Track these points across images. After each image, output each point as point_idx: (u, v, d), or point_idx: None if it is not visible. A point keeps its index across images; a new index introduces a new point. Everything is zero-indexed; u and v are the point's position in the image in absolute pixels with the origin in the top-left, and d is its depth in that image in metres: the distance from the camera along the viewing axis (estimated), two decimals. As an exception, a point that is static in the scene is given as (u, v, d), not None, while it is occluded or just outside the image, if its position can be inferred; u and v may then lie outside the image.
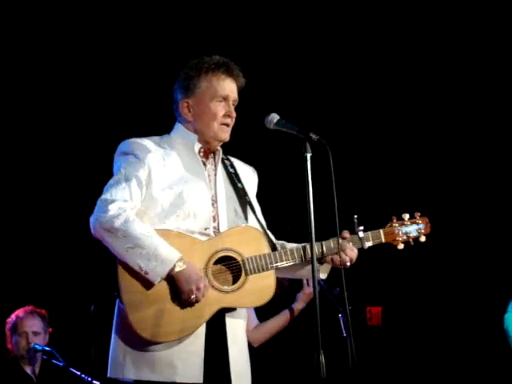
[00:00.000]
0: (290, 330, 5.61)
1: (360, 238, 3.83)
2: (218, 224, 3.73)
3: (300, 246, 3.78)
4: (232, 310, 3.68)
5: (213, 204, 3.75)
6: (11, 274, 6.82)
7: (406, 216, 3.93)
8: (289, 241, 3.94)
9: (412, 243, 3.92)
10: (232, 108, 3.81)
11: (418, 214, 3.95)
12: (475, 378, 6.87)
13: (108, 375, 3.69)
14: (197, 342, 3.60)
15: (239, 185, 3.86)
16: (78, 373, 5.89)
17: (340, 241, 3.77)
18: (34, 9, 6.77)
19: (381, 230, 3.88)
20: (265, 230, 3.86)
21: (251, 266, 3.67)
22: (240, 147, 3.99)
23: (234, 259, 3.67)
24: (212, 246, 3.65)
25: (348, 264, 3.77)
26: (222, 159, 3.89)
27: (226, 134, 3.80)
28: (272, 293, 3.70)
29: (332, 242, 3.76)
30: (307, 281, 5.21)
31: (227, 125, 3.79)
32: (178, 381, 3.58)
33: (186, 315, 3.56)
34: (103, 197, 3.63)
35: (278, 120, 3.72)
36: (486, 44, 7.01)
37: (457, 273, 7.05)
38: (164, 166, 3.70)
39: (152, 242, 3.53)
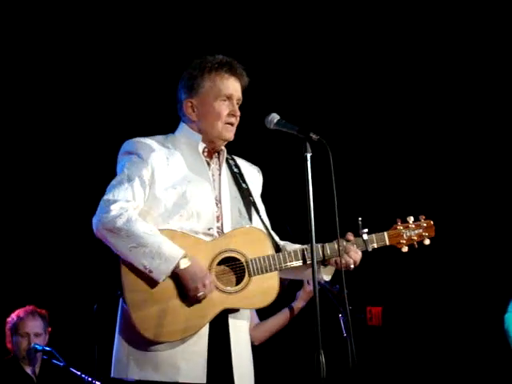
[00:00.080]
0: (290, 330, 5.61)
1: (364, 241, 3.82)
2: (222, 224, 3.73)
3: (304, 247, 3.78)
4: (235, 310, 3.68)
5: (217, 204, 3.74)
6: (12, 274, 6.82)
7: (411, 219, 3.92)
8: (289, 241, 3.95)
9: (416, 246, 3.92)
10: (236, 107, 3.80)
11: (422, 217, 3.95)
12: (475, 377, 6.87)
13: (111, 375, 3.69)
14: (200, 343, 3.60)
15: (243, 185, 3.86)
16: (79, 373, 5.89)
17: (344, 243, 3.78)
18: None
19: (385, 233, 3.88)
20: (269, 231, 3.86)
21: (255, 268, 3.66)
22: (240, 147, 3.99)
23: (238, 260, 3.67)
24: (216, 247, 3.65)
25: (352, 266, 3.77)
26: (227, 159, 3.88)
27: (230, 134, 3.80)
28: (275, 294, 3.70)
29: (336, 244, 3.75)
30: (308, 280, 5.21)
31: (232, 124, 3.79)
32: (181, 381, 3.58)
33: (190, 315, 3.57)
34: (105, 197, 3.63)
35: (278, 120, 3.71)
36: (486, 44, 7.01)
37: (457, 273, 7.05)
38: (167, 165, 3.70)
39: (155, 241, 3.53)
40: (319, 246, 3.75)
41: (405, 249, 3.91)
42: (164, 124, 3.98)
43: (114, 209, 3.57)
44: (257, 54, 6.75)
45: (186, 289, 3.55)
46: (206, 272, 3.57)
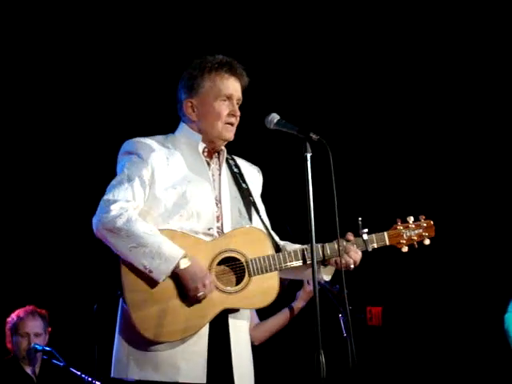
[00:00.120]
0: (290, 330, 5.61)
1: (364, 241, 3.82)
2: (222, 224, 3.73)
3: (304, 247, 3.77)
4: (235, 310, 3.68)
5: (217, 204, 3.74)
6: (12, 274, 6.82)
7: (411, 219, 3.92)
8: (289, 241, 3.95)
9: (416, 246, 3.92)
10: (236, 107, 3.80)
11: (422, 217, 3.94)
12: (475, 378, 6.87)
13: (112, 375, 3.69)
14: (200, 343, 3.60)
15: (244, 185, 3.86)
16: (79, 373, 5.89)
17: (344, 243, 3.78)
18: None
19: (385, 233, 3.88)
20: (269, 231, 3.86)
21: (255, 268, 3.66)
22: (240, 147, 3.99)
23: (238, 260, 3.67)
24: (216, 247, 3.65)
25: (352, 266, 3.77)
26: (227, 159, 3.88)
27: (230, 134, 3.80)
28: (275, 294, 3.70)
29: (336, 244, 3.75)
30: (308, 280, 5.21)
31: (231, 124, 3.79)
32: (181, 381, 3.58)
33: (190, 315, 3.57)
34: (105, 197, 3.63)
35: (278, 120, 3.71)
36: (486, 44, 7.01)
37: (457, 273, 7.05)
38: (167, 165, 3.70)
39: (155, 241, 3.53)
40: (319, 246, 3.74)
41: (405, 249, 3.91)
42: (164, 124, 3.98)
43: (114, 209, 3.56)
44: (257, 54, 6.75)
45: (186, 289, 3.55)
46: (205, 272, 3.57)
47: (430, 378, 7.01)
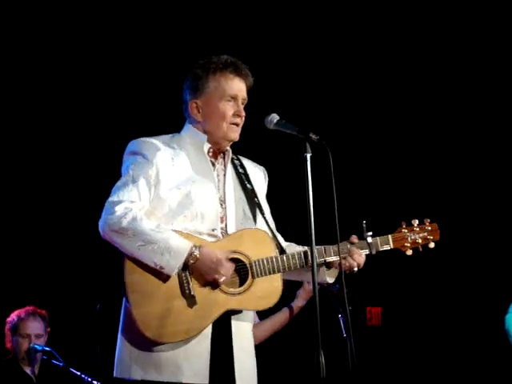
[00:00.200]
0: (290, 330, 5.61)
1: (368, 244, 3.82)
2: (226, 225, 3.73)
3: (307, 248, 3.77)
4: (238, 312, 3.68)
5: (221, 205, 3.74)
6: (12, 274, 6.82)
7: (416, 222, 3.91)
8: (289, 242, 3.94)
9: (421, 249, 3.91)
10: (241, 107, 3.80)
11: (427, 221, 3.93)
12: (475, 378, 6.87)
13: (114, 375, 3.69)
14: (203, 344, 3.60)
15: (248, 185, 3.85)
16: (78, 373, 5.89)
17: (348, 246, 3.78)
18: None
19: (389, 236, 3.87)
20: (273, 232, 3.86)
21: (258, 269, 3.66)
22: (240, 148, 3.98)
23: (242, 262, 3.66)
24: (219, 248, 3.64)
25: (355, 269, 3.78)
26: (232, 159, 3.88)
27: (235, 134, 3.79)
28: (279, 296, 3.70)
29: (340, 246, 3.73)
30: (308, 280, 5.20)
31: (237, 124, 3.78)
32: (183, 381, 3.58)
33: (193, 316, 3.56)
34: (110, 199, 3.62)
35: (278, 120, 3.71)
36: (486, 44, 7.00)
37: (457, 273, 7.05)
38: (172, 165, 3.69)
39: (162, 237, 3.53)
40: (323, 248, 3.75)
41: (409, 252, 3.91)
42: (170, 124, 3.98)
43: (119, 209, 3.56)
44: (256, 54, 6.74)
45: (203, 279, 3.56)
46: (216, 260, 3.56)
47: (430, 378, 7.01)
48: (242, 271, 3.66)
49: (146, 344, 3.58)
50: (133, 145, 3.75)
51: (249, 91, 3.87)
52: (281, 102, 5.14)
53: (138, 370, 3.59)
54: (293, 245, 3.90)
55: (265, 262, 3.67)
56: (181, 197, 3.65)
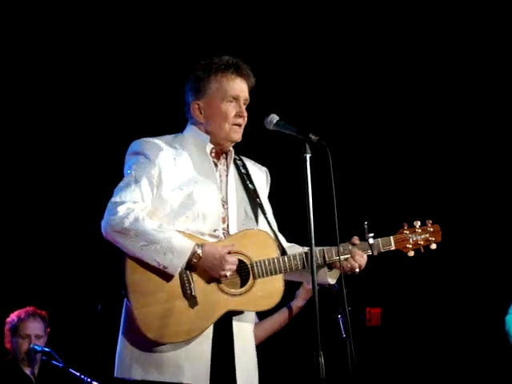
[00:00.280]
0: (290, 331, 5.61)
1: (370, 245, 3.82)
2: (228, 226, 3.73)
3: (309, 249, 3.77)
4: (239, 313, 3.68)
5: (223, 205, 3.74)
6: (13, 274, 6.81)
7: (418, 223, 3.91)
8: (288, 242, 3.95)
9: (422, 250, 3.91)
10: (243, 108, 3.80)
11: (429, 222, 3.93)
12: (476, 378, 6.87)
13: (115, 375, 3.69)
14: (204, 344, 3.60)
15: (251, 186, 3.85)
16: (78, 373, 5.89)
17: (350, 247, 3.79)
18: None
19: (391, 237, 3.88)
20: (275, 233, 3.86)
21: (259, 270, 3.66)
22: (239, 148, 3.98)
23: (243, 262, 3.66)
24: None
25: (357, 270, 3.78)
26: (234, 160, 3.88)
27: (238, 135, 3.80)
28: (280, 297, 3.71)
29: (342, 248, 3.76)
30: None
31: (239, 125, 3.79)
32: (184, 382, 3.58)
33: (194, 317, 3.57)
34: (113, 199, 3.63)
35: (278, 121, 3.71)
36: (486, 44, 7.00)
37: (457, 274, 7.04)
38: (175, 166, 3.70)
39: (165, 236, 3.54)
40: (325, 249, 3.76)
41: (411, 253, 3.91)
42: (172, 124, 3.97)
43: (121, 210, 3.57)
44: (256, 54, 6.74)
45: (210, 276, 3.57)
46: (220, 256, 3.57)
47: (430, 378, 7.01)
48: (244, 272, 3.66)
49: (146, 344, 3.58)
50: (135, 145, 3.75)
51: (249, 92, 3.86)
52: (280, 103, 5.14)
53: (138, 370, 3.59)
54: (295, 246, 3.90)
55: (266, 262, 3.67)
56: (183, 197, 3.65)
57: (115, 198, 3.62)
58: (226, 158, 3.85)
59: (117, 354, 3.70)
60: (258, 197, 3.86)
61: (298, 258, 3.73)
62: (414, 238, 3.90)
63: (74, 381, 5.88)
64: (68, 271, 6.85)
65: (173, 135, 3.84)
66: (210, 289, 3.61)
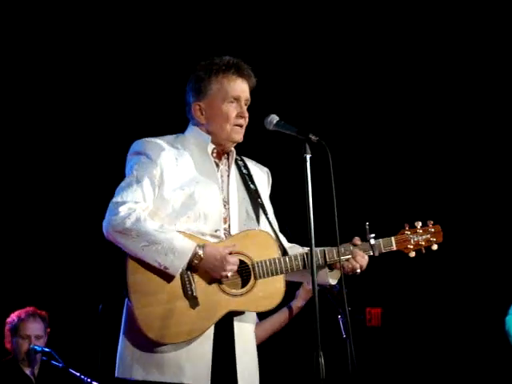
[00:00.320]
0: (290, 331, 5.60)
1: (371, 245, 3.82)
2: (229, 226, 3.73)
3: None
4: (240, 313, 3.68)
5: (224, 205, 3.74)
6: (13, 274, 6.81)
7: (419, 224, 3.91)
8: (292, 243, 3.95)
9: (424, 251, 3.91)
10: (244, 108, 3.80)
11: (430, 222, 3.93)
12: (476, 379, 6.87)
13: (116, 375, 3.69)
14: (205, 345, 3.60)
15: (252, 186, 3.85)
16: (78, 374, 5.89)
17: (351, 248, 3.79)
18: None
19: (392, 238, 3.88)
20: (276, 233, 3.86)
21: (260, 271, 3.66)
22: (239, 148, 3.98)
23: (244, 263, 3.66)
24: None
25: (358, 271, 3.78)
26: (236, 160, 3.88)
27: (239, 135, 3.80)
28: (281, 297, 3.71)
29: (343, 248, 3.77)
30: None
31: (240, 125, 3.78)
32: (185, 382, 3.58)
33: (195, 317, 3.57)
34: (114, 199, 3.63)
35: (278, 121, 3.71)
36: (486, 44, 7.00)
37: (458, 274, 7.04)
38: (176, 166, 3.69)
39: (166, 237, 3.54)
40: (326, 249, 3.76)
41: (412, 254, 3.91)
42: (174, 124, 3.97)
43: (123, 210, 3.57)
44: (256, 55, 6.74)
45: (211, 277, 3.57)
46: (221, 257, 3.56)
47: (430, 378, 7.01)
48: (245, 272, 3.66)
49: (148, 344, 3.58)
50: (137, 145, 3.75)
51: (250, 92, 3.86)
52: (280, 103, 5.14)
53: (139, 370, 3.60)
54: (296, 246, 3.90)
55: (267, 263, 3.67)
56: (184, 197, 3.65)
57: (117, 198, 3.62)
58: (228, 159, 3.85)
59: (118, 354, 3.70)
60: (259, 197, 3.86)
61: (299, 258, 3.72)
62: (416, 239, 3.90)
63: (74, 381, 5.88)
64: (68, 271, 6.85)
65: (174, 135, 3.83)
66: (211, 289, 3.61)
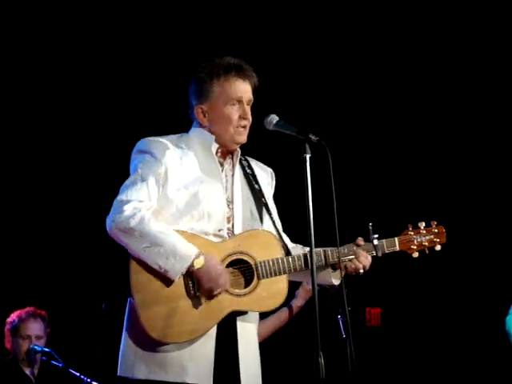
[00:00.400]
0: (290, 332, 5.60)
1: (374, 246, 3.82)
2: (233, 225, 3.73)
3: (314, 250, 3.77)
4: (243, 313, 3.68)
5: (228, 205, 3.74)
6: (13, 274, 6.81)
7: (422, 224, 3.91)
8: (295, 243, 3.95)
9: (427, 252, 3.91)
10: (247, 109, 3.79)
11: (434, 223, 3.93)
12: (476, 378, 6.87)
13: (118, 374, 3.69)
14: (208, 344, 3.61)
15: (256, 186, 3.85)
16: (78, 374, 5.89)
17: (354, 248, 3.79)
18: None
19: (396, 238, 3.88)
20: (280, 233, 3.86)
21: (263, 271, 3.66)
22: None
23: (247, 263, 3.66)
24: (225, 249, 3.65)
25: (361, 271, 3.79)
26: (240, 160, 3.87)
27: (243, 137, 3.79)
28: (284, 297, 3.71)
29: (346, 248, 3.78)
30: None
31: (243, 127, 3.78)
32: (188, 381, 3.58)
33: (198, 317, 3.57)
34: (119, 198, 3.62)
35: (278, 121, 3.71)
36: (486, 44, 7.00)
37: (458, 274, 7.04)
38: (181, 165, 3.69)
39: (169, 240, 3.54)
40: (329, 250, 3.76)
41: (415, 254, 3.91)
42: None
43: (127, 209, 3.56)
44: (256, 55, 6.74)
45: (200, 288, 3.56)
46: (219, 272, 3.57)
47: (430, 378, 7.01)
48: (248, 272, 3.66)
49: (150, 344, 3.58)
50: (141, 143, 3.75)
51: (253, 91, 3.85)
52: (280, 103, 5.14)
53: (142, 369, 3.60)
54: (299, 246, 3.90)
55: (270, 263, 3.67)
56: (188, 197, 3.65)
57: (121, 196, 3.62)
58: (232, 158, 3.84)
59: (120, 353, 3.70)
60: (263, 197, 3.85)
61: (302, 258, 3.72)
62: (419, 239, 3.90)
63: (74, 381, 5.89)
64: (69, 271, 6.85)
65: (178, 135, 3.83)
66: None
